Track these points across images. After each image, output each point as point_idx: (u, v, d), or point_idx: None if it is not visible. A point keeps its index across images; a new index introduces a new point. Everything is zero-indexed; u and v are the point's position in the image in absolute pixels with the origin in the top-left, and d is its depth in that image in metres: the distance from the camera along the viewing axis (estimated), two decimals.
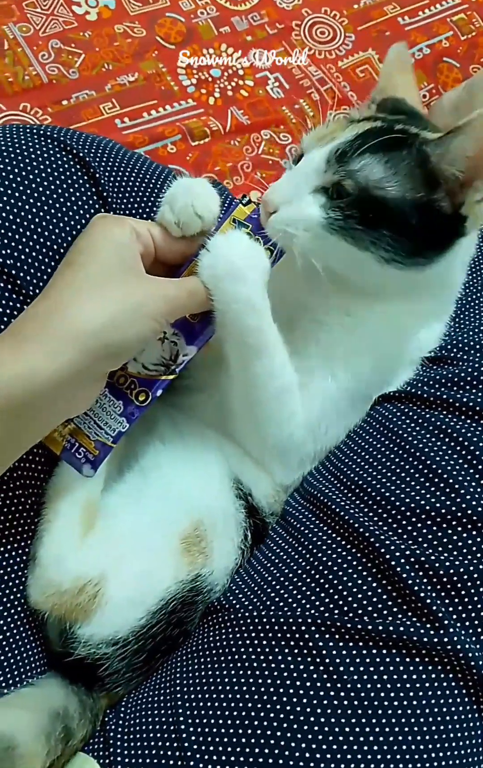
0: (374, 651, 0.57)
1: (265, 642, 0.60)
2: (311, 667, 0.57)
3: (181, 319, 0.64)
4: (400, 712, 0.55)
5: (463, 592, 0.58)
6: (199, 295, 0.61)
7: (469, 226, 0.64)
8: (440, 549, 0.60)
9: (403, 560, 0.59)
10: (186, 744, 0.57)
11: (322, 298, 0.68)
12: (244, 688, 0.58)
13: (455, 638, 0.57)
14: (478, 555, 0.59)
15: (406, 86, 0.75)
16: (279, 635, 0.60)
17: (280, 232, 0.63)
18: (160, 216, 0.63)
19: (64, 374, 0.53)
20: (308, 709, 0.56)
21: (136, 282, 0.58)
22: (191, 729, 0.58)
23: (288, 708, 0.56)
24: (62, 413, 0.58)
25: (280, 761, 0.55)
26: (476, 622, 0.58)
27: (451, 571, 0.58)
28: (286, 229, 0.63)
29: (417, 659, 0.57)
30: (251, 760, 0.55)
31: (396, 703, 0.56)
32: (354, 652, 0.57)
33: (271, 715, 0.56)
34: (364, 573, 0.60)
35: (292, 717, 0.56)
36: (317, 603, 0.60)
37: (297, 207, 0.63)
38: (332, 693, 0.56)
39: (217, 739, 0.57)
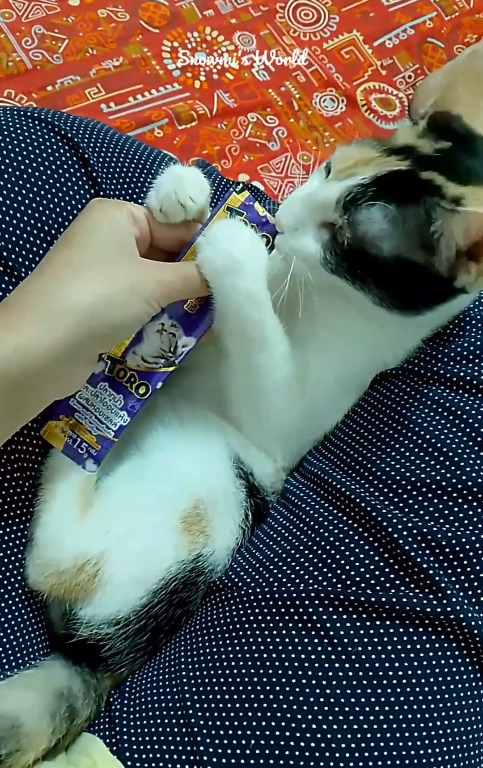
0: (378, 623, 0.57)
1: (269, 618, 0.60)
2: (316, 641, 0.58)
3: (178, 310, 0.63)
4: (405, 682, 0.56)
5: (465, 563, 0.58)
6: (194, 281, 0.60)
7: (468, 290, 0.60)
8: (442, 521, 0.60)
9: (405, 532, 0.59)
10: (193, 720, 0.57)
11: (317, 299, 0.67)
12: (250, 664, 0.58)
13: (458, 608, 0.57)
14: (480, 526, 0.59)
15: (471, 100, 0.64)
16: (283, 610, 0.60)
17: (285, 255, 0.63)
18: (147, 202, 0.62)
19: (57, 351, 0.52)
20: (314, 682, 0.56)
21: (132, 264, 0.58)
22: (197, 705, 0.58)
23: (294, 681, 0.56)
24: (54, 393, 0.58)
25: (287, 733, 0.55)
26: (479, 592, 0.58)
27: (453, 542, 0.59)
28: (289, 254, 0.63)
29: (421, 629, 0.57)
30: (258, 734, 0.55)
31: (401, 673, 0.56)
32: (358, 624, 0.58)
33: (278, 689, 0.56)
34: (366, 546, 0.60)
35: (298, 690, 0.56)
36: (320, 577, 0.60)
37: (301, 238, 0.62)
38: (338, 665, 0.56)
39: (224, 714, 0.57)
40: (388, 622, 0.57)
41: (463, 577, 0.58)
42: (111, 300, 0.54)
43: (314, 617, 0.58)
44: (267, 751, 0.55)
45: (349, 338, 0.68)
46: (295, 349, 0.67)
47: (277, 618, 0.60)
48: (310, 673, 0.56)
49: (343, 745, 0.54)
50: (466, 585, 0.58)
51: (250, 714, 0.56)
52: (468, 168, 0.61)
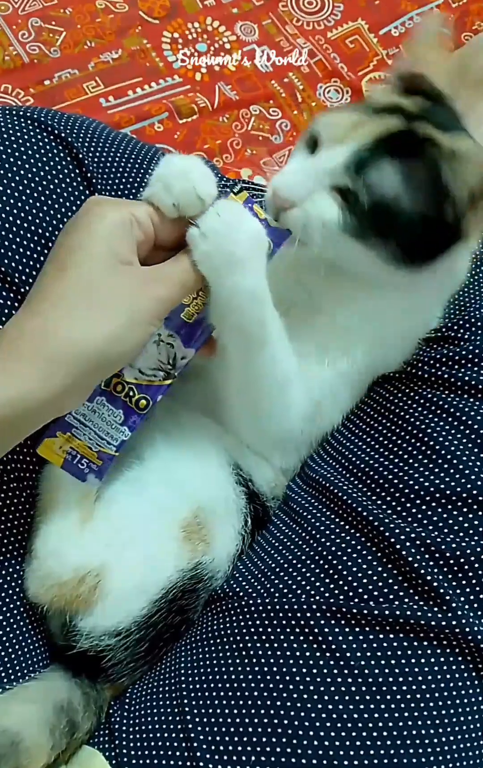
0: (381, 635, 0.56)
1: (270, 629, 0.59)
2: (318, 654, 0.57)
3: (176, 320, 0.61)
4: (409, 696, 0.55)
5: (470, 574, 0.57)
6: (191, 283, 0.57)
7: (470, 235, 0.63)
8: (446, 530, 0.59)
9: (408, 543, 0.58)
10: (192, 734, 0.56)
11: (322, 282, 0.66)
12: (251, 677, 0.57)
13: (463, 620, 0.56)
14: None
15: (436, 62, 0.71)
16: (284, 622, 0.59)
17: (300, 227, 0.61)
18: (152, 196, 0.58)
19: (55, 395, 0.51)
20: (315, 696, 0.55)
21: (128, 286, 0.54)
22: (198, 719, 0.57)
23: (295, 696, 0.55)
24: (44, 421, 0.56)
25: (288, 749, 0.54)
26: None
27: (457, 552, 0.57)
28: (305, 224, 0.61)
29: (425, 642, 0.56)
30: (259, 749, 0.54)
31: (405, 687, 0.55)
32: (361, 637, 0.57)
33: (278, 703, 0.55)
34: (369, 557, 0.59)
35: (299, 704, 0.55)
36: (322, 589, 0.59)
37: (315, 206, 0.61)
38: (340, 679, 0.55)
39: (224, 729, 0.56)
40: (392, 636, 0.56)
41: (468, 589, 0.57)
42: (113, 336, 0.52)
43: (316, 630, 0.57)
44: (267, 767, 0.54)
45: (347, 331, 0.67)
46: (293, 343, 0.65)
47: (279, 630, 0.59)
48: (312, 687, 0.56)
49: (345, 762, 0.53)
50: (472, 597, 0.57)
51: (250, 729, 0.55)
52: (450, 121, 0.64)
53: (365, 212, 0.59)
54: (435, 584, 0.57)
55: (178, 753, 0.56)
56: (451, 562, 0.57)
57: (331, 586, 0.59)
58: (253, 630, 0.60)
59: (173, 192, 0.56)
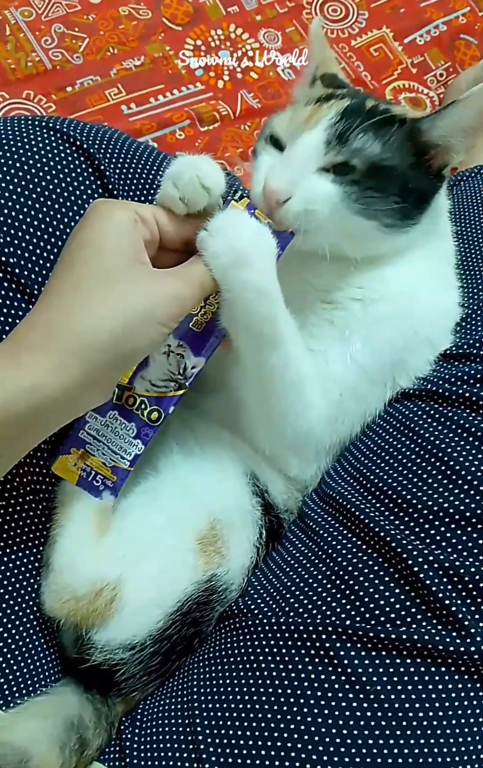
0: (398, 660, 0.55)
1: (284, 650, 0.58)
2: (333, 677, 0.56)
3: (184, 329, 0.61)
4: (426, 723, 0.54)
5: None
6: (209, 285, 0.57)
7: (444, 179, 0.69)
8: (465, 553, 0.58)
9: (426, 565, 0.57)
10: (204, 756, 0.55)
11: (330, 276, 0.67)
12: (264, 697, 0.57)
13: (482, 646, 0.54)
14: None
15: (332, 61, 0.79)
16: (299, 643, 0.58)
17: (301, 215, 0.61)
18: (163, 193, 0.58)
19: (70, 388, 0.50)
20: (330, 720, 0.54)
21: (143, 281, 0.54)
22: (209, 738, 0.56)
23: (309, 718, 0.55)
24: (64, 420, 0.55)
25: None
26: None
27: (477, 576, 0.56)
28: (306, 209, 0.61)
29: (443, 668, 0.55)
30: None
31: (422, 713, 0.54)
32: (377, 661, 0.56)
33: (292, 726, 0.55)
34: (386, 578, 0.58)
35: (313, 728, 0.54)
36: (338, 610, 0.58)
37: (310, 188, 0.61)
38: (355, 704, 0.54)
39: (236, 750, 0.55)
40: (408, 660, 0.55)
41: None
42: (126, 331, 0.52)
43: (331, 652, 0.57)
44: None
45: (366, 322, 0.66)
46: (311, 342, 0.65)
47: (293, 651, 0.58)
48: (326, 711, 0.55)
49: None
50: None
51: (263, 752, 0.54)
52: (374, 98, 0.71)
53: (364, 174, 0.62)
54: (453, 608, 0.56)
55: None
56: (470, 585, 0.56)
57: (348, 607, 0.58)
58: (267, 650, 0.59)
59: (179, 184, 0.57)
